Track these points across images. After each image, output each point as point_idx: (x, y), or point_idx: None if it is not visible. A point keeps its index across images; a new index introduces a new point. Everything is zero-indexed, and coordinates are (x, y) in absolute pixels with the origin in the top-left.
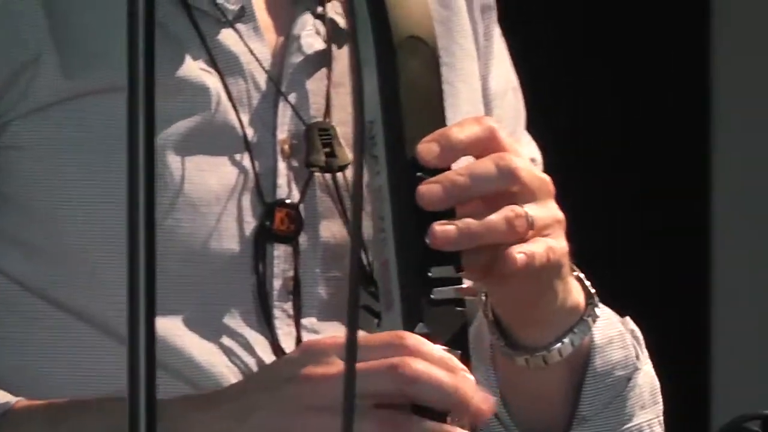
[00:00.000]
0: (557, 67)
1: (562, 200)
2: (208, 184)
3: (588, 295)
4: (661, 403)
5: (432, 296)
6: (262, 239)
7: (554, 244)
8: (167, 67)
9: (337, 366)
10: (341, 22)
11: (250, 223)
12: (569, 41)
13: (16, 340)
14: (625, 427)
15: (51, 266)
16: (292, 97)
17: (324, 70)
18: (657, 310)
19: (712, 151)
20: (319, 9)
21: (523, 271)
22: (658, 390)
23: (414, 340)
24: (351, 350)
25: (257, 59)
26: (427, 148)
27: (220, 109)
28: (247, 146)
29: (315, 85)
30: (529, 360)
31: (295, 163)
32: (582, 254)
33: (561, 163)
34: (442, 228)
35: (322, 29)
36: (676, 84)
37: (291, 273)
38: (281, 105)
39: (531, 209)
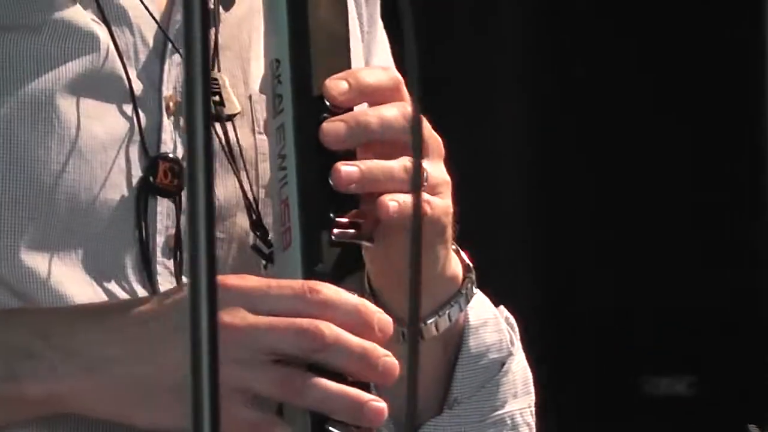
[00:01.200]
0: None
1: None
2: (94, 132)
3: (466, 269)
4: (533, 394)
5: (333, 237)
6: (145, 192)
7: (433, 200)
8: (56, 12)
9: (243, 317)
10: None
11: (136, 177)
12: None
13: None
14: (497, 413)
15: None
16: (177, 56)
17: (210, 32)
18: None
19: None
20: None
21: (394, 220)
22: (531, 380)
23: (327, 293)
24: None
25: (149, 11)
26: (336, 84)
27: (109, 58)
28: (133, 99)
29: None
30: (405, 333)
31: (179, 121)
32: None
33: None
34: (346, 168)
35: None
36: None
37: (173, 230)
38: (168, 61)
39: (425, 165)
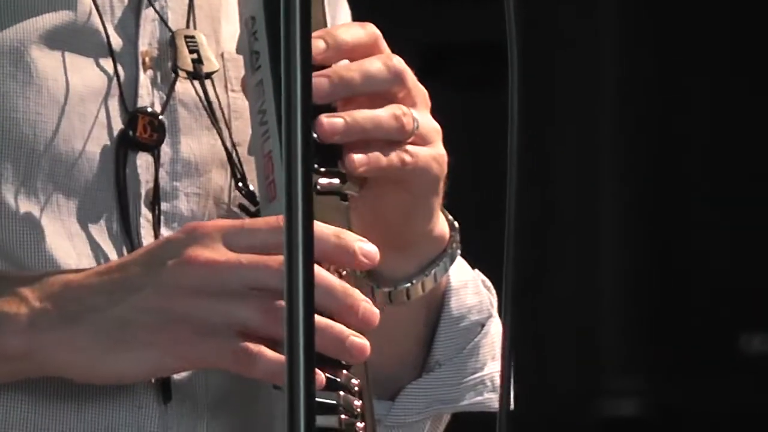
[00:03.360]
0: None
1: None
2: (72, 83)
3: (451, 228)
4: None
5: (317, 187)
6: (125, 146)
7: (418, 150)
8: None
9: (220, 251)
10: None
11: (115, 130)
12: None
13: None
14: (477, 375)
15: None
16: (152, 10)
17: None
18: None
19: None
20: None
21: (367, 173)
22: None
23: None
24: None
25: None
26: (313, 43)
27: (86, 11)
28: (111, 53)
29: (174, 2)
30: (392, 293)
31: (155, 76)
32: None
33: None
34: (329, 120)
35: None
36: None
37: (152, 183)
38: (143, 16)
39: (414, 114)
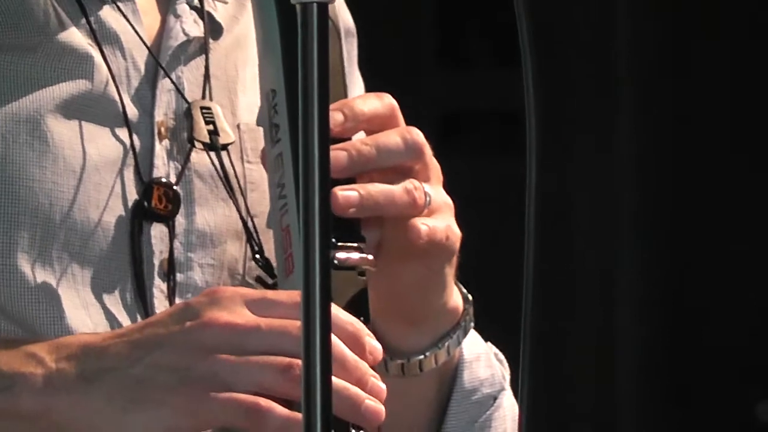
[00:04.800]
0: None
1: None
2: (88, 153)
3: (465, 301)
4: None
5: (335, 261)
6: (140, 217)
7: (436, 223)
8: (51, 33)
9: (241, 315)
10: (216, 15)
11: (130, 200)
12: None
13: None
14: None
15: None
16: (168, 81)
17: (199, 60)
18: None
19: None
20: (196, 0)
21: (424, 245)
22: (518, 416)
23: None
24: None
25: (141, 37)
26: (331, 116)
27: (102, 81)
28: (127, 123)
29: (190, 73)
30: (405, 366)
31: (171, 147)
32: None
33: None
34: (344, 193)
35: (199, 21)
36: None
37: (167, 254)
38: (159, 86)
39: (427, 189)
